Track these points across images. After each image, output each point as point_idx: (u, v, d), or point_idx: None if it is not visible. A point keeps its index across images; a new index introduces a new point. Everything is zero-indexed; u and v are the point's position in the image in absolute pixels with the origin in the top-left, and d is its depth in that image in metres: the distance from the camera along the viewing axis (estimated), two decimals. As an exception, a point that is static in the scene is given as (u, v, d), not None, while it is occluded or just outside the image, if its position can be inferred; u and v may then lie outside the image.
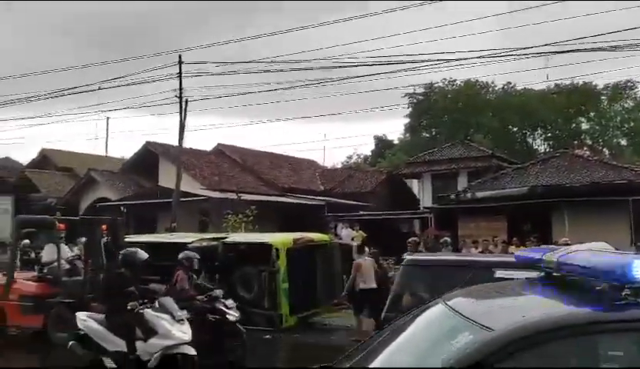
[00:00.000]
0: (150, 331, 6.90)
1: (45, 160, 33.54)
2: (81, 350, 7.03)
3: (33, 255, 13.28)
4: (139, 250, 7.88)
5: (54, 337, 9.46)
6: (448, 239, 15.86)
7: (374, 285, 10.26)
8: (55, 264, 10.04)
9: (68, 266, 10.23)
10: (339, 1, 48.12)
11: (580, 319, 2.38)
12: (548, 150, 44.69)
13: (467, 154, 26.29)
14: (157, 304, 7.20)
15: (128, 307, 6.92)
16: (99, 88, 22.35)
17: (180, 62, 20.72)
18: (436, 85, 48.21)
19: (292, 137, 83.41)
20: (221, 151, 29.47)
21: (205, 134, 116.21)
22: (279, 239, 10.89)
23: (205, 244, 10.96)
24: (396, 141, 52.01)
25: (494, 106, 46.96)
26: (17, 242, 11.59)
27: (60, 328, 9.42)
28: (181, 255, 8.96)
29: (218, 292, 8.63)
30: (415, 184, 30.41)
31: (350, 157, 54.72)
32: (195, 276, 8.91)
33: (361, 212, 24.95)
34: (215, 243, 11.08)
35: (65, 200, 26.06)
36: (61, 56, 67.60)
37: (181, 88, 20.67)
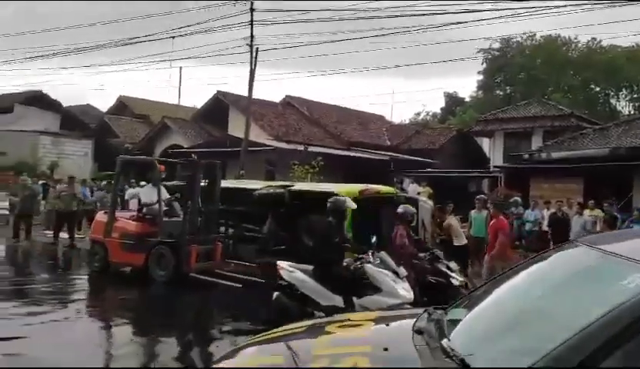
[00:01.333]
0: (371, 287, 6.35)
1: (122, 106, 35.06)
2: (290, 302, 6.48)
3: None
4: (348, 198, 7.34)
5: (155, 274, 9.73)
6: (519, 199, 15.39)
7: (465, 241, 10.59)
8: (155, 204, 10.14)
9: (166, 207, 10.36)
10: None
11: None
12: (632, 112, 41.79)
13: (544, 113, 25.01)
14: (375, 259, 6.63)
15: (351, 262, 6.57)
16: (173, 38, 22.85)
17: (252, 10, 20.71)
18: (514, 40, 45.90)
19: (360, 92, 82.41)
20: (289, 102, 29.58)
21: (273, 85, 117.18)
22: (345, 189, 10.81)
23: (272, 191, 11.09)
24: (467, 99, 50.34)
25: (576, 64, 44.15)
26: (118, 182, 11.63)
27: (160, 267, 9.72)
28: (400, 209, 8.18)
29: (439, 252, 8.05)
30: (485, 143, 29.46)
31: (418, 114, 53.71)
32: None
33: (428, 169, 24.54)
34: (281, 190, 11.20)
35: (141, 145, 27.23)
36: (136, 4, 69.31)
37: (252, 35, 20.74)
